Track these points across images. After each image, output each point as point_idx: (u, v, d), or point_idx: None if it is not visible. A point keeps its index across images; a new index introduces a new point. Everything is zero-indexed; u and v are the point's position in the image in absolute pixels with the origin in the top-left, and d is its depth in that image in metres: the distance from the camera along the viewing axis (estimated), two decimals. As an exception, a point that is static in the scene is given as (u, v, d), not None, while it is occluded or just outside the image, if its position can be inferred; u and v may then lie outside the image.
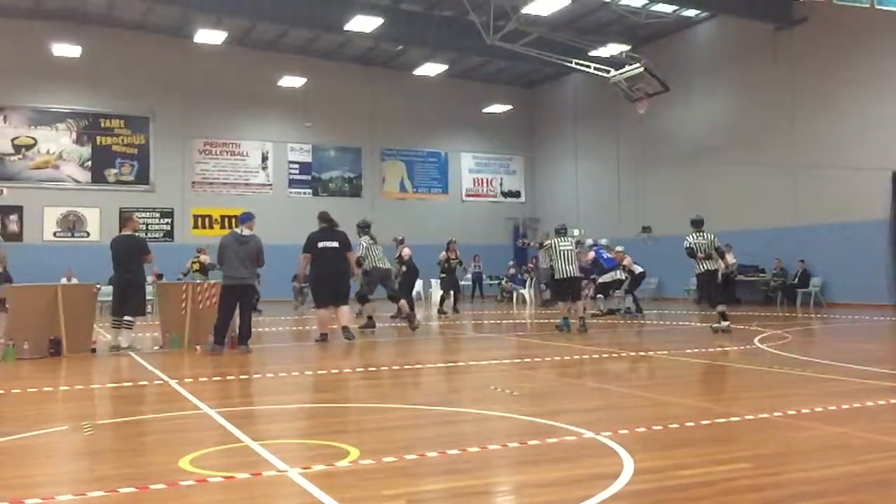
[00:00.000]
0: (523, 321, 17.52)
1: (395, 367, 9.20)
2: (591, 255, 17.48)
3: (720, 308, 12.81)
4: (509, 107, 29.86)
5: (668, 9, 22.39)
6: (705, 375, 8.50)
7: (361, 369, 9.10)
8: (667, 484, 4.08)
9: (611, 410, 6.27)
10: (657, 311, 19.70)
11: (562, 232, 13.98)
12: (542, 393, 7.46)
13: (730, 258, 21.55)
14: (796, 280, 20.65)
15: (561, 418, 5.69)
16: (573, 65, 22.68)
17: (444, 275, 19.40)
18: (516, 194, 31.35)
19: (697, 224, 13.59)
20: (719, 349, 10.58)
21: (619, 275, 17.02)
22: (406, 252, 17.72)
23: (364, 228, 13.97)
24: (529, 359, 9.82)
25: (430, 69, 26.66)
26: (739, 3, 21.20)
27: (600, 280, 17.37)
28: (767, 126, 21.86)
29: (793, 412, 5.90)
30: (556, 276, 13.69)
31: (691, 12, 23.20)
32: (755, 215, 21.95)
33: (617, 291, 17.22)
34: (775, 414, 5.83)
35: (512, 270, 26.38)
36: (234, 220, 14.86)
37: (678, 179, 24.62)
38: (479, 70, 28.87)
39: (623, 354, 10.11)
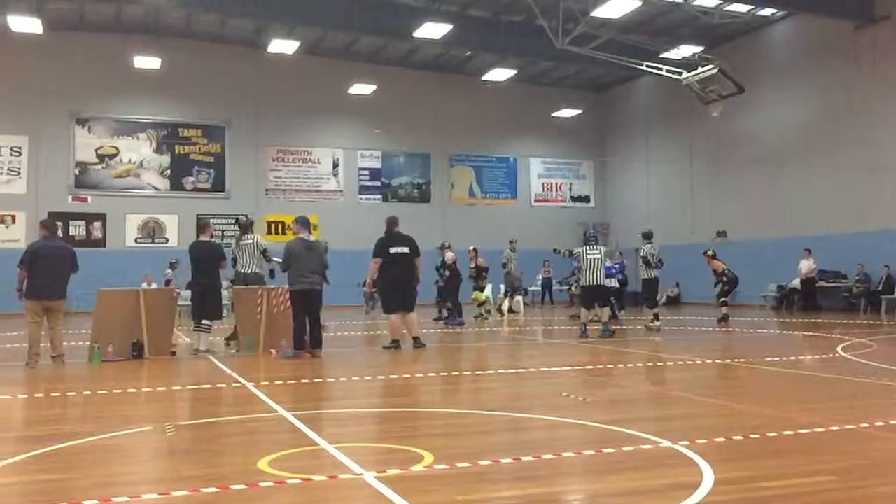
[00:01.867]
0: (593, 327, 17.28)
1: (465, 373, 9.21)
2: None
3: (656, 310, 15.20)
4: (579, 111, 29.61)
5: (742, 8, 21.89)
6: (786, 384, 8.25)
7: (433, 374, 9.13)
8: (748, 496, 3.98)
9: (687, 419, 6.15)
10: (733, 318, 19.20)
11: (591, 240, 14.04)
12: (615, 400, 7.36)
13: (809, 264, 20.91)
14: (881, 286, 19.89)
15: (636, 426, 5.60)
16: (644, 67, 22.36)
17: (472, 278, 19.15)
18: (586, 199, 31.07)
19: (648, 236, 15.64)
20: (800, 358, 10.26)
21: (613, 283, 16.99)
22: (450, 256, 17.79)
23: (247, 227, 12.75)
24: (601, 365, 9.71)
25: (499, 74, 26.64)
26: (818, 0, 20.58)
27: None
28: (847, 127, 21.15)
29: (880, 423, 5.68)
30: (583, 284, 13.82)
31: (767, 11, 22.62)
32: (835, 219, 21.24)
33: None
34: (861, 425, 5.62)
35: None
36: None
37: (754, 182, 24.02)
38: (549, 74, 28.74)
39: (699, 362, 9.90)
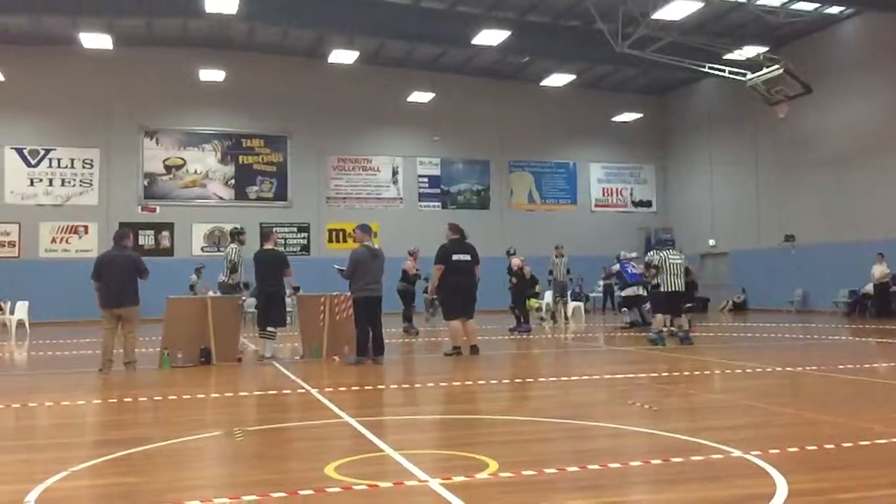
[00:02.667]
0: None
1: (527, 380, 9.16)
2: (616, 267, 17.99)
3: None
4: (639, 115, 29.26)
5: (808, 7, 21.35)
6: (861, 393, 7.98)
7: (494, 381, 9.10)
8: (825, 508, 3.86)
9: (759, 428, 5.99)
10: (802, 325, 18.70)
11: (669, 244, 13.72)
12: (682, 408, 7.22)
13: (882, 268, 20.23)
14: (959, 291, 19.12)
15: (705, 435, 5.48)
16: (707, 69, 21.99)
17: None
18: (647, 203, 30.65)
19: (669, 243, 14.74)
20: (875, 365, 9.92)
21: (641, 290, 16.85)
22: (516, 262, 17.71)
23: (238, 236, 12.39)
24: (667, 373, 9.54)
25: (558, 80, 26.53)
26: (888, -4, 19.96)
27: (623, 294, 18.26)
28: (923, 126, 20.41)
29: (964, 434, 5.44)
30: (664, 289, 13.28)
31: (834, 9, 21.99)
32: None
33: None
34: (944, 436, 5.40)
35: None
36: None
37: (823, 185, 23.36)
38: (608, 78, 28.47)
39: (768, 370, 9.65)
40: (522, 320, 17.30)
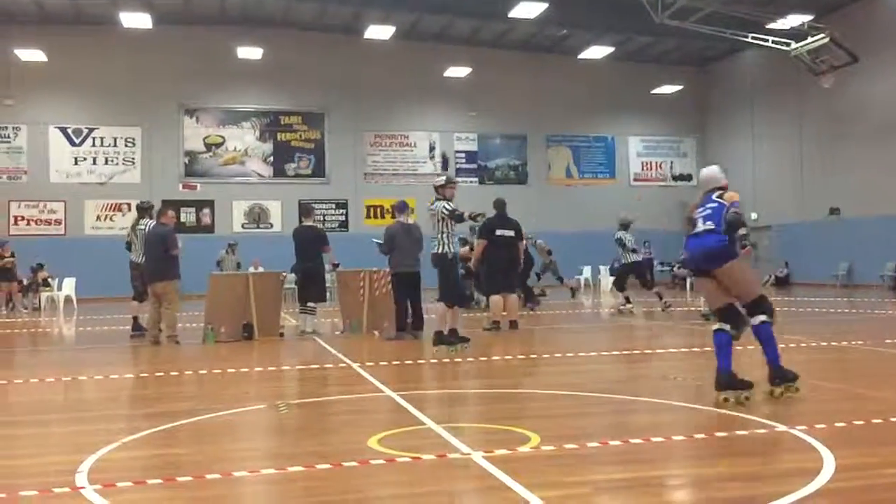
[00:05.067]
0: (698, 308, 16.85)
1: (568, 355, 9.14)
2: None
3: (626, 293, 15.20)
4: (679, 87, 28.78)
5: (856, -27, 20.75)
6: (908, 368, 7.84)
7: (534, 356, 9.11)
8: (873, 482, 3.82)
9: (804, 403, 5.91)
10: (848, 299, 18.37)
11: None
12: (724, 383, 7.13)
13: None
14: None
15: (750, 410, 5.43)
16: (749, 39, 21.54)
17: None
18: (687, 177, 30.20)
19: (626, 225, 15.47)
20: (923, 340, 9.72)
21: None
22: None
23: (147, 210, 11.83)
24: (709, 347, 9.42)
25: (596, 52, 26.18)
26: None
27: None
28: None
29: None
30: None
31: (884, -25, 21.35)
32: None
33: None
34: None
35: (684, 256, 25.46)
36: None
37: (870, 157, 22.79)
38: (647, 50, 28.01)
39: (813, 344, 9.51)
40: (529, 299, 17.04)
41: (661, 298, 15.10)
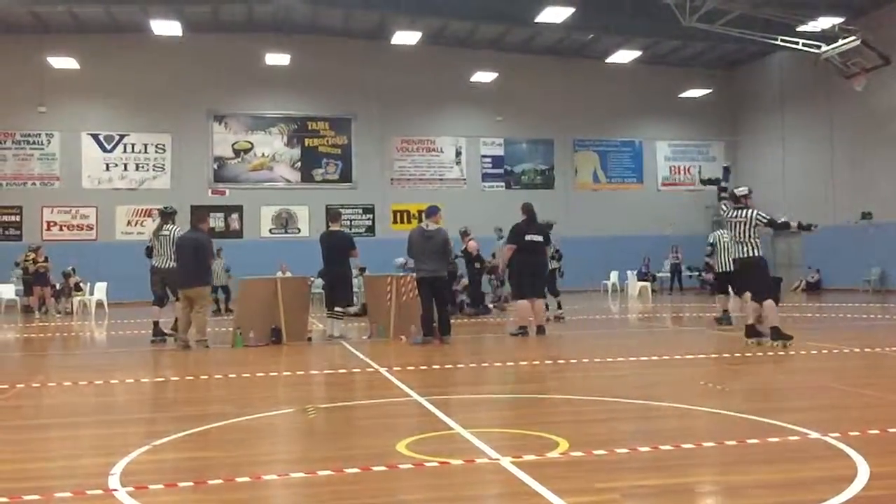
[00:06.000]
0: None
1: (596, 360, 9.09)
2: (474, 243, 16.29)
3: (559, 298, 14.69)
4: (708, 90, 28.53)
5: (888, -26, 20.48)
6: (944, 375, 7.70)
7: (562, 361, 9.07)
8: (910, 491, 3.74)
9: (837, 409, 5.83)
10: (880, 304, 18.09)
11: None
12: (755, 389, 7.08)
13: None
14: None
15: (781, 417, 5.36)
16: (779, 42, 21.32)
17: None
18: (716, 182, 29.89)
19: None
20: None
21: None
22: (473, 245, 16.19)
23: (170, 216, 11.87)
24: (739, 353, 9.35)
25: (623, 56, 26.06)
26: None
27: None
28: None
29: None
30: (718, 270, 13.05)
31: (916, -25, 21.04)
32: None
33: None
34: None
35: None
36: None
37: (902, 160, 22.44)
38: (675, 54, 27.83)
39: (846, 350, 9.38)
40: (478, 305, 16.72)
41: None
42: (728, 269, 12.75)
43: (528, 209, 12.08)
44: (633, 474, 4.18)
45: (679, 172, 29.74)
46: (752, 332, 9.90)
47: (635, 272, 25.33)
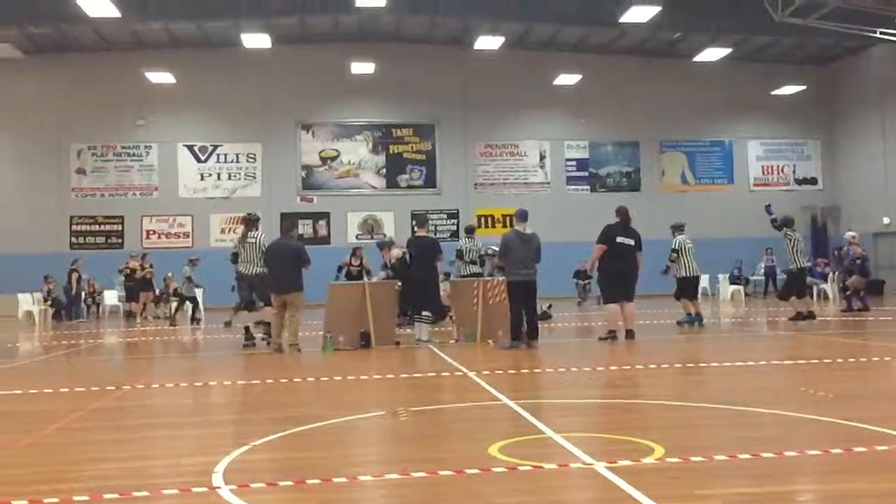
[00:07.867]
0: (824, 318, 16.07)
1: (688, 365, 8.90)
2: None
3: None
4: (802, 87, 27.55)
5: None
6: None
7: (653, 366, 8.90)
8: None
9: (950, 418, 5.54)
10: None
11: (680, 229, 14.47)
12: (861, 396, 6.78)
13: None
14: None
15: (889, 424, 5.13)
16: (877, 35, 20.43)
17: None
18: (812, 181, 28.88)
19: (470, 231, 14.93)
20: None
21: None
22: (395, 253, 14.79)
23: (255, 222, 11.90)
24: (842, 359, 8.99)
25: (712, 54, 25.41)
26: None
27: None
28: None
29: None
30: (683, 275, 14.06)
31: None
32: None
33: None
34: None
35: (810, 263, 24.33)
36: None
37: None
38: (767, 50, 26.98)
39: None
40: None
41: None
42: (693, 273, 14.06)
43: (622, 212, 11.93)
44: (733, 481, 4.07)
45: (772, 172, 28.81)
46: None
47: (727, 276, 24.64)
